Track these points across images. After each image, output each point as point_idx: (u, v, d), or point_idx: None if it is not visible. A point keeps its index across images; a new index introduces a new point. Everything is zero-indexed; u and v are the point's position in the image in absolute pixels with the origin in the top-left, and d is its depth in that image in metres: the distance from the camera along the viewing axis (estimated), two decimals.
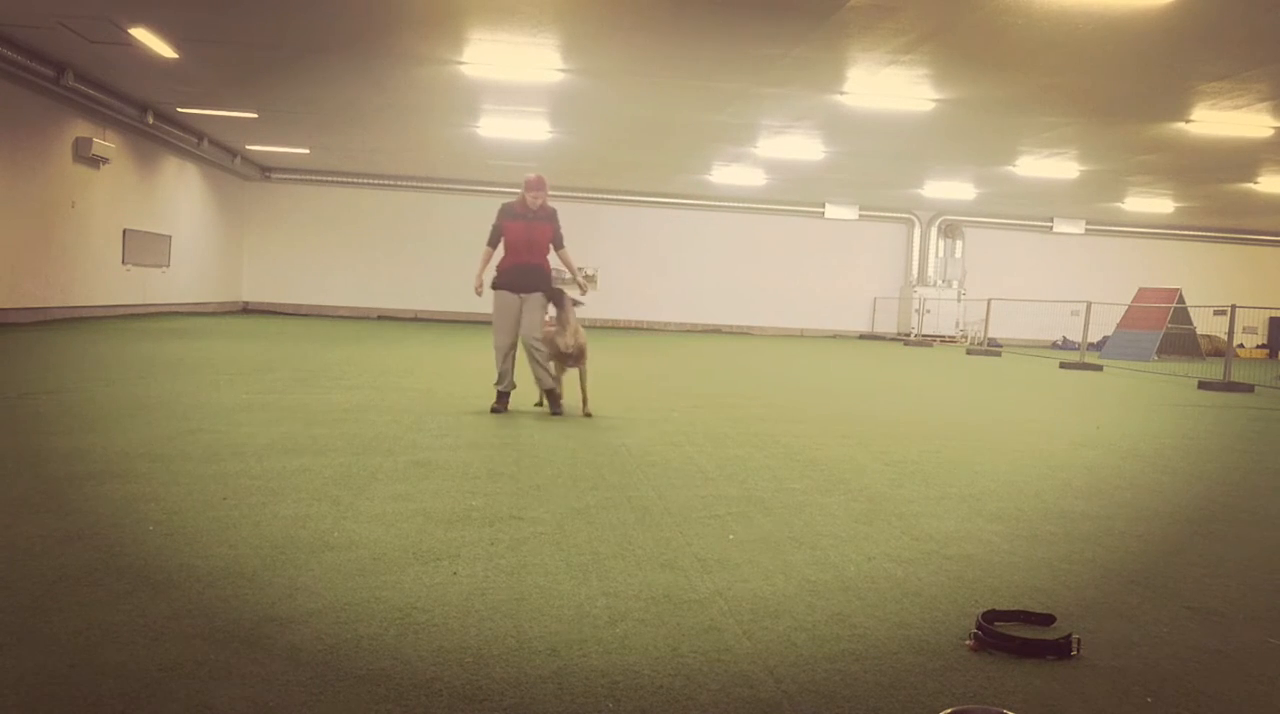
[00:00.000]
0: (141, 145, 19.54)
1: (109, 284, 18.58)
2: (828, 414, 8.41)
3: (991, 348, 22.08)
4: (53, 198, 16.21)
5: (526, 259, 7.56)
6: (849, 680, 2.53)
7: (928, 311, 27.33)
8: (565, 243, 7.84)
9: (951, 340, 26.93)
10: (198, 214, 23.30)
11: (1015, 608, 3.12)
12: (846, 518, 4.38)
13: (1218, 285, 29.18)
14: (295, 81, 14.62)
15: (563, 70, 13.14)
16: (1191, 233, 29.09)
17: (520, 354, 7.60)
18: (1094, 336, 24.14)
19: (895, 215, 28.37)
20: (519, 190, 7.68)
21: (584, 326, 7.81)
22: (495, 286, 7.55)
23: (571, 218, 34.12)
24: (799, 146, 18.39)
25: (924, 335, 26.94)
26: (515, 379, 7.62)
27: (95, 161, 17.45)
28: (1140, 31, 10.10)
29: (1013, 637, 2.78)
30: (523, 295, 7.52)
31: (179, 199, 21.97)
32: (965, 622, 3.00)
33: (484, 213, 33.16)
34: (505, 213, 7.66)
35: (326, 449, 5.49)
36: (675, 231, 28.09)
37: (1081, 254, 29.39)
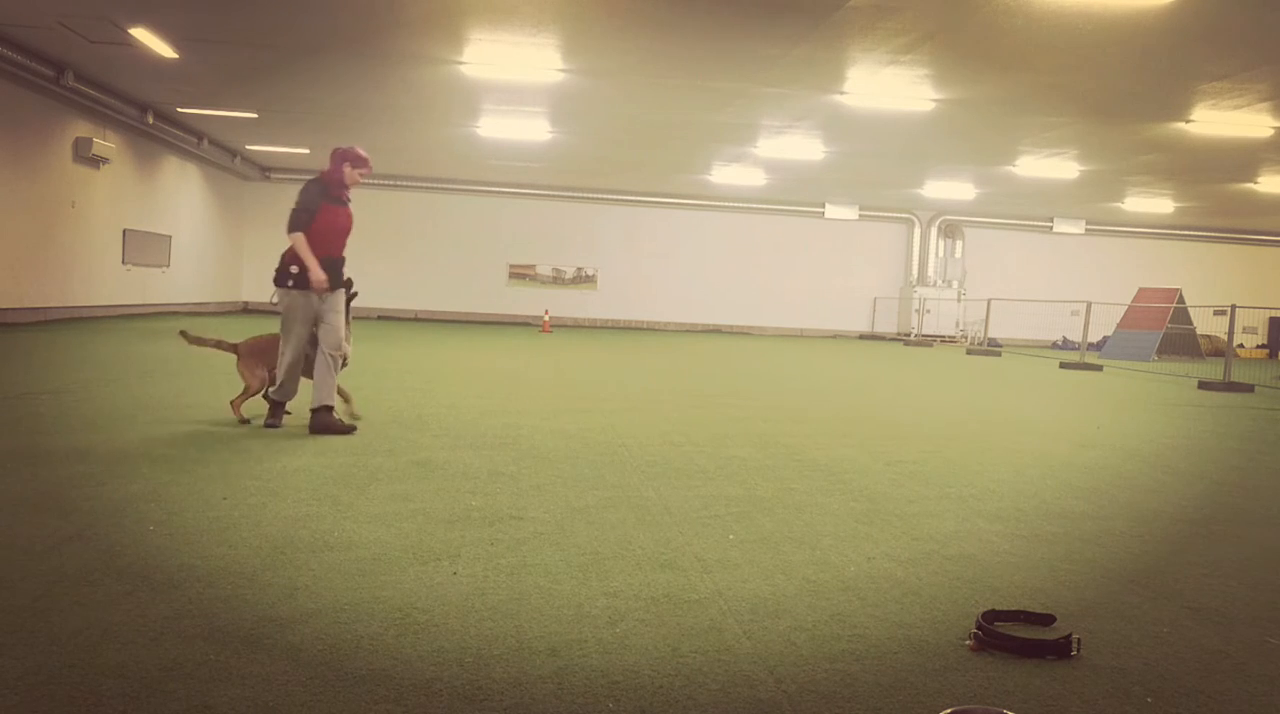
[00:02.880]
0: (141, 145, 19.54)
1: (109, 284, 18.58)
2: (828, 414, 8.41)
3: (991, 348, 22.08)
4: (53, 198, 16.21)
5: (337, 252, 6.31)
6: (849, 680, 2.53)
7: (928, 312, 27.33)
8: None
9: (951, 340, 26.93)
10: (198, 214, 23.30)
11: (1015, 608, 3.12)
12: (847, 518, 4.38)
13: (1218, 285, 29.20)
14: (295, 81, 14.62)
15: (563, 70, 13.14)
16: (1191, 233, 29.10)
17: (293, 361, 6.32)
18: (1094, 337, 24.17)
19: (895, 215, 28.37)
20: (330, 173, 6.24)
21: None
22: (294, 285, 6.11)
23: (571, 218, 34.08)
24: (799, 146, 18.39)
25: (924, 335, 26.94)
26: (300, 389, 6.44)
27: (95, 161, 17.45)
28: (1140, 31, 10.10)
29: (1013, 637, 2.78)
30: (324, 295, 6.24)
31: (179, 199, 21.97)
32: (965, 622, 3.00)
33: (484, 212, 33.02)
34: (322, 193, 6.24)
35: (326, 449, 5.50)
36: (675, 231, 28.09)
37: (1081, 254, 29.40)
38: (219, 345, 6.63)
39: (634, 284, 28.04)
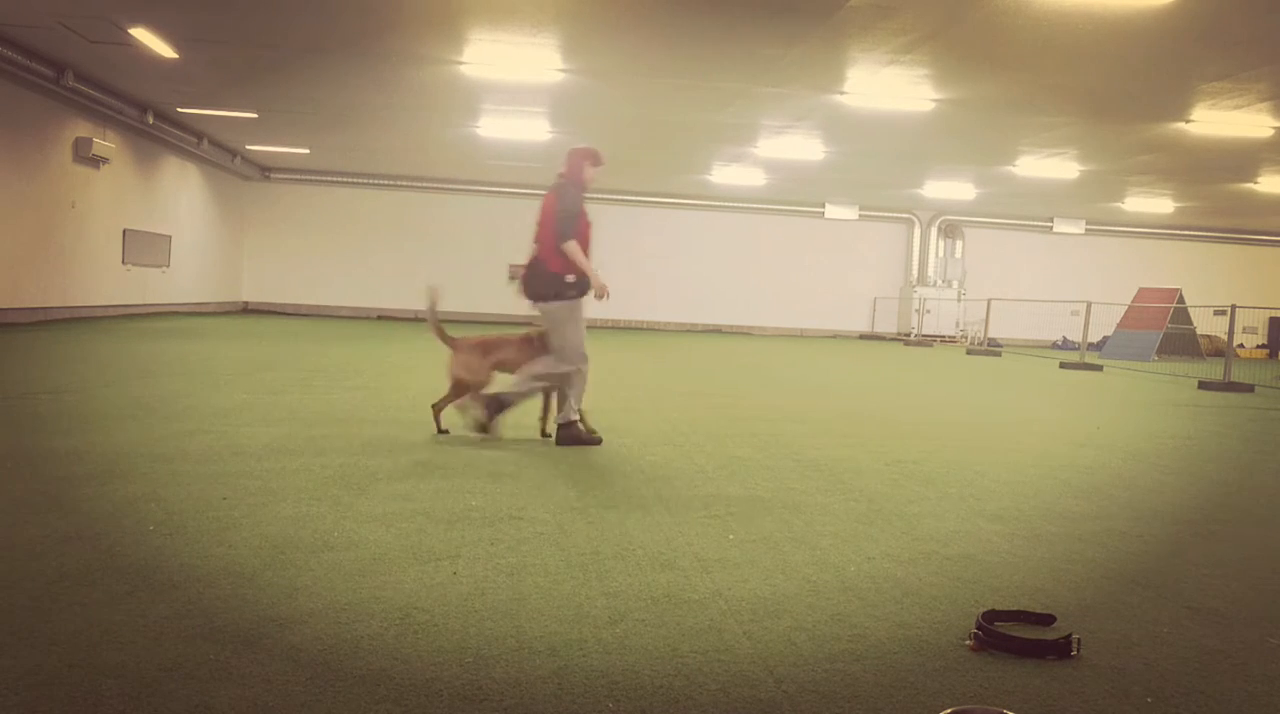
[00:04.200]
0: (141, 145, 19.54)
1: (109, 284, 18.58)
2: (828, 414, 8.41)
3: (991, 348, 22.08)
4: (53, 198, 16.21)
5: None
6: (849, 680, 2.53)
7: (928, 312, 27.33)
8: None
9: (951, 340, 26.93)
10: (198, 214, 23.30)
11: (1015, 608, 3.12)
12: (846, 518, 4.38)
13: (1218, 285, 29.20)
14: (295, 81, 14.62)
15: (563, 70, 13.14)
16: (1191, 233, 29.10)
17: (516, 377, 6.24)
18: (1094, 337, 24.17)
19: (895, 215, 28.37)
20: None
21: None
22: (576, 295, 5.96)
23: None
24: (799, 146, 18.39)
25: (924, 335, 26.94)
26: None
27: (95, 161, 17.46)
28: (1140, 31, 10.10)
29: (1013, 637, 2.78)
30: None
31: (179, 199, 21.97)
32: (965, 622, 3.00)
33: (484, 212, 33.17)
34: (580, 198, 6.00)
35: (326, 449, 5.49)
36: (675, 231, 28.08)
37: (1081, 254, 29.40)
38: (439, 333, 6.28)
39: (634, 284, 28.04)
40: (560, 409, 6.08)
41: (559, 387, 6.08)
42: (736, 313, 28.70)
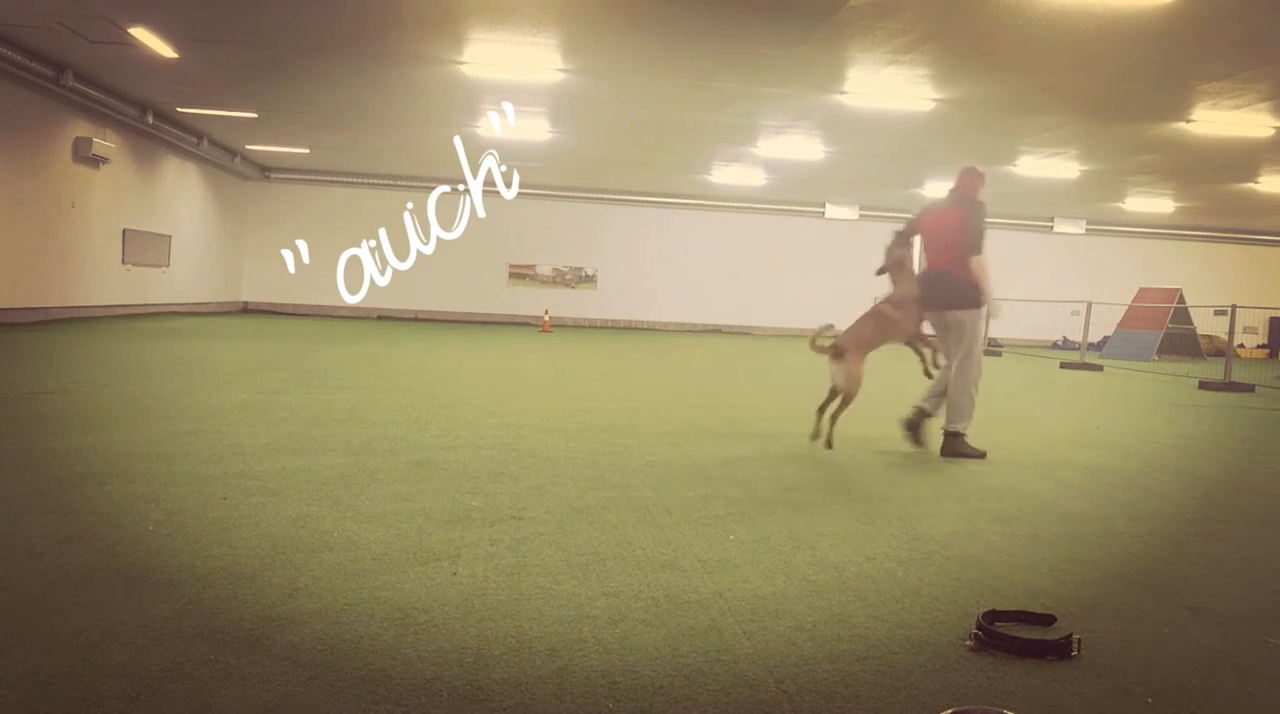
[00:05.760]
0: (141, 145, 19.53)
1: (109, 284, 18.57)
2: None
3: (991, 348, 22.08)
4: (53, 198, 16.20)
5: None
6: (849, 680, 2.53)
7: None
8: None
9: None
10: (198, 214, 23.30)
11: (1016, 608, 3.11)
12: (846, 518, 4.38)
13: (1218, 285, 29.16)
14: (295, 81, 14.62)
15: (563, 70, 13.14)
16: (1191, 233, 29.08)
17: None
18: (1094, 337, 24.15)
19: (895, 215, 28.35)
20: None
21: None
22: (980, 305, 6.61)
23: (571, 218, 34.02)
24: (799, 146, 18.38)
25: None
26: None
27: (95, 161, 17.45)
28: (1140, 31, 10.09)
29: (1013, 637, 2.78)
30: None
31: (179, 199, 21.96)
32: (965, 622, 2.99)
33: (484, 212, 32.88)
34: (985, 216, 6.60)
35: (326, 449, 5.49)
36: (675, 231, 28.07)
37: (1082, 254, 29.38)
38: (820, 351, 6.45)
39: (634, 284, 28.03)
40: (949, 419, 6.35)
41: (939, 395, 6.47)
42: (736, 313, 28.69)
